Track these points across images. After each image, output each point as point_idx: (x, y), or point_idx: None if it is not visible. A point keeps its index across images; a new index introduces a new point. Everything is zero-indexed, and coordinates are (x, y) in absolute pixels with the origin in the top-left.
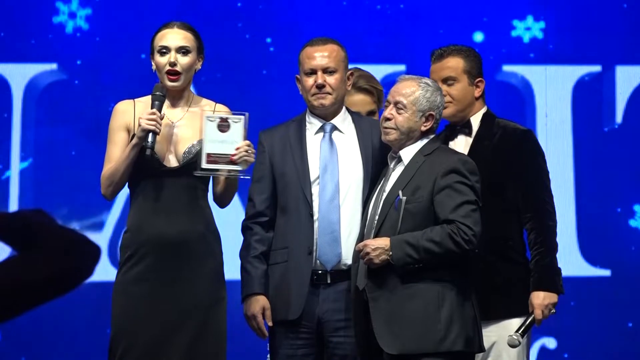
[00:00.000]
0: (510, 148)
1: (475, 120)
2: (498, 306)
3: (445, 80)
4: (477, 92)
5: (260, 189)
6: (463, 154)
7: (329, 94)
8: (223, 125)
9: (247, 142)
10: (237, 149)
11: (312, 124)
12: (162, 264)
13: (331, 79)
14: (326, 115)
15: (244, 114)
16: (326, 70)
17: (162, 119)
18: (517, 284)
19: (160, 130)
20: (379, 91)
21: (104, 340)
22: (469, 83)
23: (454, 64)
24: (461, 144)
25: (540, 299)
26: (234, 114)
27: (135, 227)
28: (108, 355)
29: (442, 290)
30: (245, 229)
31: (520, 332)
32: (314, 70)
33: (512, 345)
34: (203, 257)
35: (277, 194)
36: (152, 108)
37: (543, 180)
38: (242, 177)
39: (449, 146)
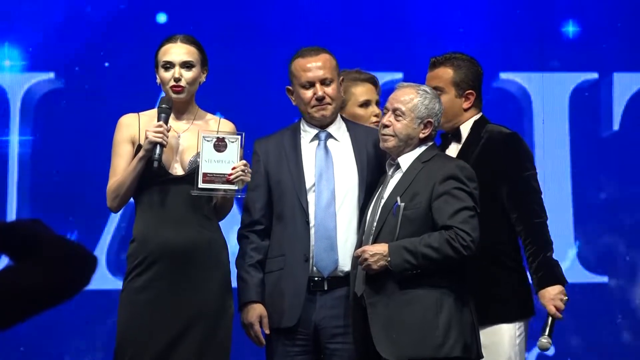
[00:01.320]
0: (493, 152)
1: (465, 128)
2: (488, 311)
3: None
4: (466, 104)
5: (256, 197)
6: (461, 161)
7: (329, 104)
8: (220, 145)
9: (244, 161)
10: (234, 168)
11: (307, 132)
12: (169, 272)
13: (329, 90)
14: (322, 124)
15: (240, 134)
16: (324, 82)
17: (168, 131)
18: (507, 289)
19: (167, 143)
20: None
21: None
22: (456, 95)
23: (442, 74)
24: (453, 152)
25: (548, 294)
26: (230, 133)
27: (141, 235)
28: None
29: (440, 296)
30: (242, 237)
31: (547, 334)
32: (312, 83)
33: (544, 349)
34: (210, 265)
35: (273, 202)
36: (158, 120)
37: (527, 180)
38: (238, 196)
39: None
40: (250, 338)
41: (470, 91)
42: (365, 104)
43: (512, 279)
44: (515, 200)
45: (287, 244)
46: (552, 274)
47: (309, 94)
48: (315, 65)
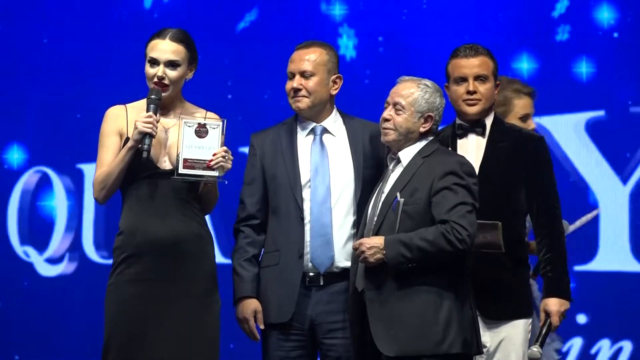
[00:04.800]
0: (526, 153)
1: (488, 121)
2: (507, 307)
3: (477, 77)
4: (496, 94)
5: (252, 191)
6: (461, 156)
7: (305, 97)
8: (201, 131)
9: (224, 148)
10: (214, 154)
11: (303, 127)
12: (158, 265)
13: (307, 82)
14: (316, 117)
15: (222, 120)
16: (303, 74)
17: (158, 121)
18: (525, 285)
19: (156, 133)
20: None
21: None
22: (494, 85)
23: (486, 62)
24: (473, 143)
25: (557, 306)
26: (212, 120)
27: (129, 229)
28: (102, 355)
29: (440, 292)
30: (237, 231)
31: (539, 343)
32: (294, 74)
33: (534, 358)
34: (198, 258)
35: (269, 196)
36: (147, 111)
37: (555, 187)
38: (219, 181)
39: (459, 144)
40: (245, 333)
41: (498, 82)
42: (524, 118)
43: (527, 276)
44: (544, 206)
45: (282, 239)
46: (567, 290)
47: (289, 85)
48: (299, 58)
